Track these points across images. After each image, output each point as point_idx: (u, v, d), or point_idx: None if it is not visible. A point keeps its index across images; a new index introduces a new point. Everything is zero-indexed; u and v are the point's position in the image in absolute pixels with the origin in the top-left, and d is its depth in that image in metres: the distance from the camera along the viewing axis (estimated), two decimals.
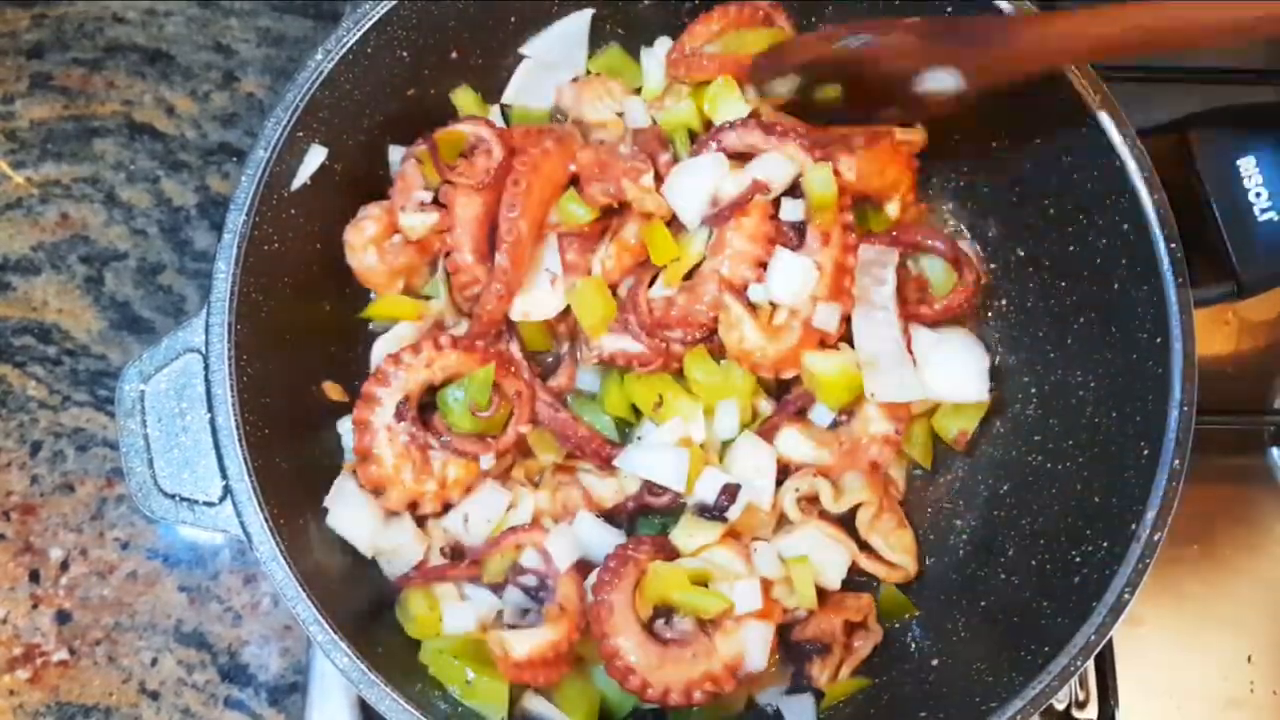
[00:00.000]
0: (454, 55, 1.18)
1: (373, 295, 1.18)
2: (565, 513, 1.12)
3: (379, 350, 1.15)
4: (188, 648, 1.22)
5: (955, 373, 1.15)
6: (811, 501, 1.14)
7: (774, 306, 1.12)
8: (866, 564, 1.14)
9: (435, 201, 1.12)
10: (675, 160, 1.15)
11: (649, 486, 1.12)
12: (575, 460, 1.15)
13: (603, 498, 1.13)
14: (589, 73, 1.25)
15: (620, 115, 1.20)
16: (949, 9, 1.12)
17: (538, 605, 1.07)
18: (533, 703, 1.05)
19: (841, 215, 1.11)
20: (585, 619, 1.05)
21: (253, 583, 1.24)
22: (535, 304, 1.11)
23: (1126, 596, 0.93)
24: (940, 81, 1.00)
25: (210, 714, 1.20)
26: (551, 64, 1.24)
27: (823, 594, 1.11)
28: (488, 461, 1.08)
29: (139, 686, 1.21)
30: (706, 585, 1.05)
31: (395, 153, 1.18)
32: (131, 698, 1.20)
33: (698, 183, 1.11)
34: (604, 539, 1.10)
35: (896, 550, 1.15)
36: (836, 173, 1.10)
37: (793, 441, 1.13)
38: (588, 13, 1.24)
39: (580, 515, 1.11)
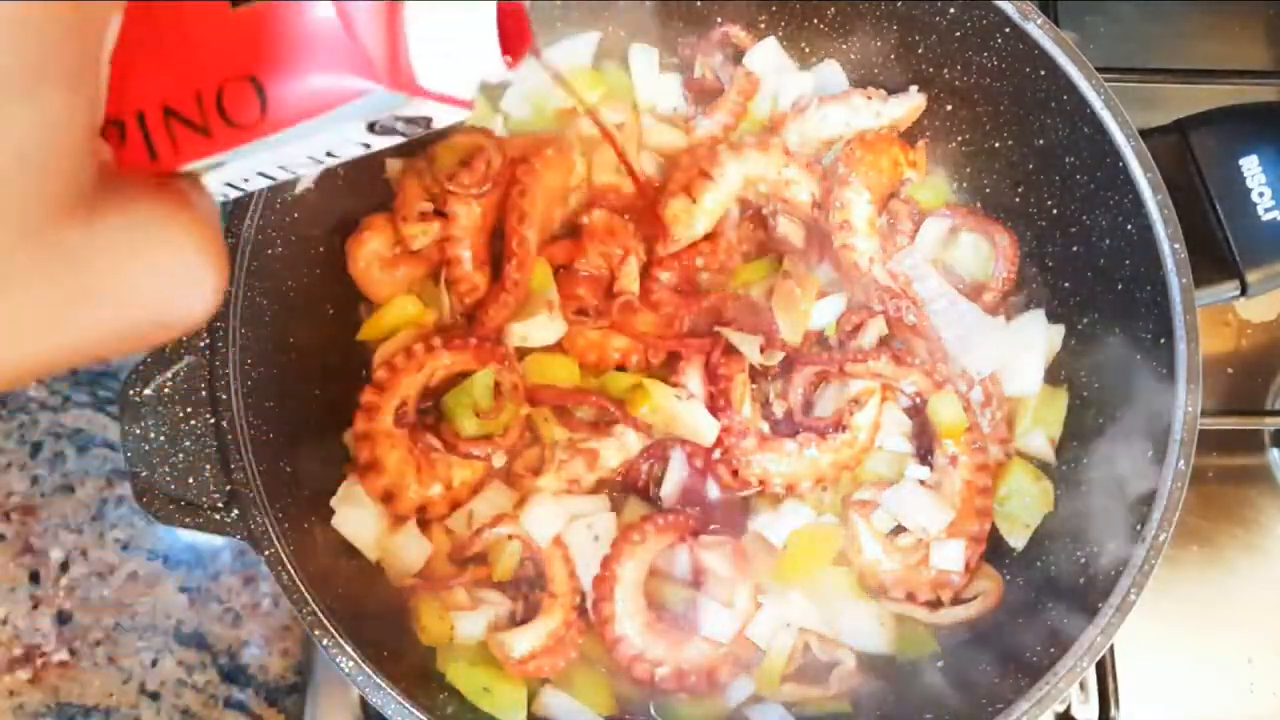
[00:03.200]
0: None
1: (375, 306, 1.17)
2: (575, 488, 1.12)
3: (380, 358, 1.15)
4: (188, 648, 1.22)
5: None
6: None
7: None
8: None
9: (437, 212, 1.12)
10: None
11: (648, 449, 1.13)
12: (576, 433, 1.14)
13: (608, 459, 1.12)
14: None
15: (619, 126, 1.20)
16: (951, 10, 1.12)
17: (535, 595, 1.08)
18: (551, 696, 1.05)
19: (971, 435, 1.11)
20: (578, 596, 1.06)
21: (253, 583, 1.24)
22: (535, 329, 1.12)
23: (1132, 597, 0.93)
24: None
25: (210, 714, 1.20)
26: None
27: None
28: (500, 459, 1.08)
29: (139, 687, 1.20)
30: None
31: (392, 165, 1.17)
32: (131, 698, 1.20)
33: None
34: (586, 508, 1.10)
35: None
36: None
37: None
38: (594, 35, 1.24)
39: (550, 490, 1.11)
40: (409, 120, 0.44)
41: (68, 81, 0.34)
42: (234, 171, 0.44)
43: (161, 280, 0.39)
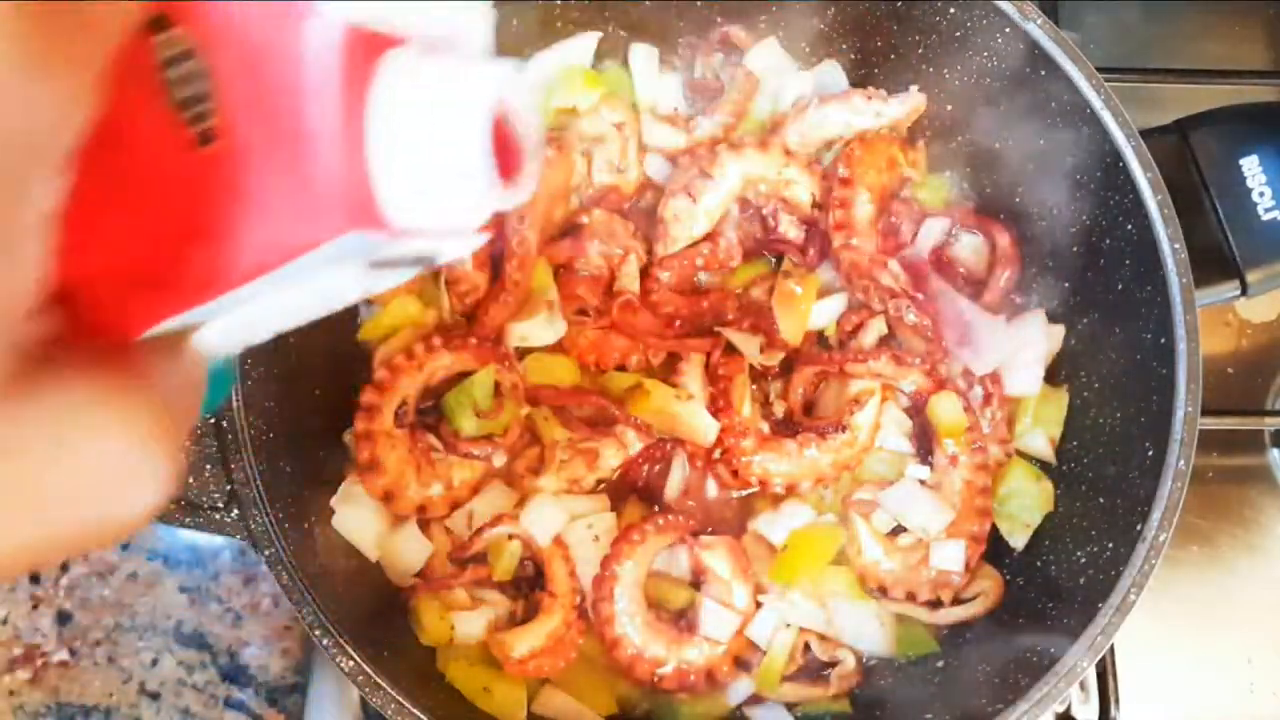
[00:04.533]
0: None
1: (375, 306, 1.16)
2: (575, 488, 1.12)
3: (380, 358, 1.15)
4: (188, 648, 1.22)
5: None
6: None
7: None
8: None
9: None
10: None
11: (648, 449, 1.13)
12: (576, 433, 1.14)
13: (608, 459, 1.12)
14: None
15: (619, 126, 1.20)
16: (951, 10, 1.12)
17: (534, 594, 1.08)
18: (551, 696, 1.05)
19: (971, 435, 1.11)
20: (578, 596, 1.06)
21: (253, 583, 1.23)
22: (535, 329, 1.12)
23: (1132, 597, 0.93)
24: None
25: (210, 714, 1.20)
26: (551, 79, 1.23)
27: None
28: (500, 459, 1.08)
29: (139, 687, 1.20)
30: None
31: None
32: (131, 698, 1.20)
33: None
34: (586, 508, 1.10)
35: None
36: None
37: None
38: (594, 36, 1.24)
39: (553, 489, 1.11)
40: (412, 259, 0.39)
41: None
42: (227, 326, 0.39)
43: (92, 477, 0.32)
